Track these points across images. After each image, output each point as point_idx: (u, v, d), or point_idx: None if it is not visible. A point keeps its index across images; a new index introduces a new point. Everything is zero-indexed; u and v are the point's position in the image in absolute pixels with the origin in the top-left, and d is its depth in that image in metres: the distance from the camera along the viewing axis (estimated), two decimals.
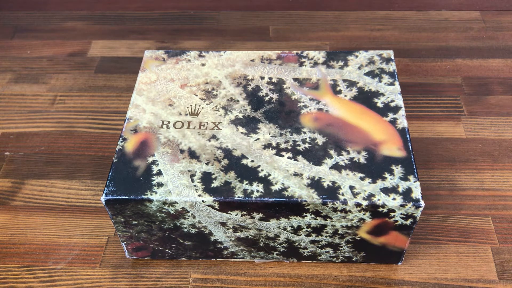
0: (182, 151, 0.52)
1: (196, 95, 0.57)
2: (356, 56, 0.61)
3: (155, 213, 0.50)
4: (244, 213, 0.49)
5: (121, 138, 0.53)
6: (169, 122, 0.54)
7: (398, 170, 0.50)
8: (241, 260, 0.56)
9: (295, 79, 0.58)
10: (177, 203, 0.48)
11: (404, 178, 0.49)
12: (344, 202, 0.47)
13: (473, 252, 0.56)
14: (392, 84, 0.58)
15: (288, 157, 0.51)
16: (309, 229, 0.51)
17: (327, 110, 0.55)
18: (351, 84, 0.58)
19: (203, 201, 0.48)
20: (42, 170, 0.66)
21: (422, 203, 0.47)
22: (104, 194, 0.49)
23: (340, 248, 0.53)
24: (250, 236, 0.52)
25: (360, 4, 0.92)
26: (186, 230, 0.52)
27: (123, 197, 0.48)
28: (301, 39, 0.85)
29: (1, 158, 0.68)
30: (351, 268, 0.55)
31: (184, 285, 0.55)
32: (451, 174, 0.64)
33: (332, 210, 0.48)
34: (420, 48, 0.82)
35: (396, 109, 0.55)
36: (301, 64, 0.60)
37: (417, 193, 0.48)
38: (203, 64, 0.61)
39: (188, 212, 0.49)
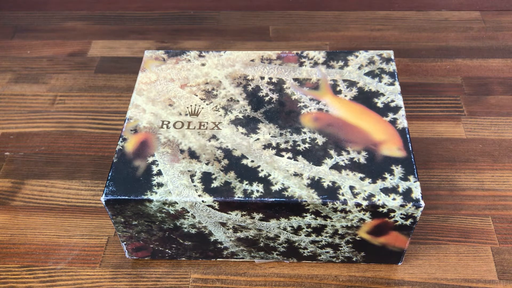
0: (182, 151, 0.52)
1: (196, 95, 0.57)
2: (356, 56, 0.61)
3: (155, 213, 0.50)
4: (244, 213, 0.49)
5: (121, 138, 0.53)
6: (169, 122, 0.54)
7: (398, 170, 0.50)
8: (241, 260, 0.56)
9: (295, 79, 0.58)
10: (177, 203, 0.48)
11: (404, 178, 0.49)
12: (344, 202, 0.47)
13: (473, 252, 0.56)
14: (392, 84, 0.58)
15: (288, 157, 0.51)
16: (309, 229, 0.51)
17: (327, 110, 0.55)
18: (351, 84, 0.58)
19: (203, 201, 0.48)
20: (42, 170, 0.66)
21: (422, 203, 0.47)
22: (104, 194, 0.49)
23: (340, 248, 0.53)
24: (250, 236, 0.52)
25: (360, 4, 0.92)
26: (186, 230, 0.52)
27: (123, 197, 0.48)
28: (301, 39, 0.85)
29: (1, 158, 0.68)
30: (351, 268, 0.55)
31: (184, 285, 0.55)
32: (451, 174, 0.64)
33: (332, 210, 0.48)
34: (420, 48, 0.82)
35: (396, 109, 0.55)
36: (301, 64, 0.60)
37: (417, 193, 0.48)
38: (203, 64, 0.61)
39: (188, 212, 0.49)
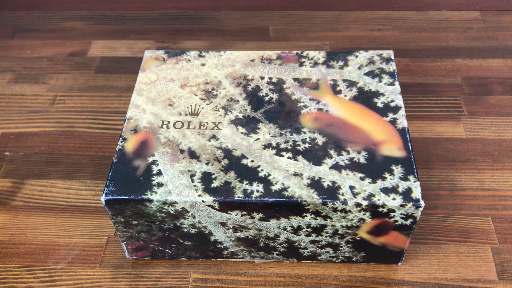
0: (182, 151, 0.52)
1: (196, 95, 0.57)
2: (356, 56, 0.61)
3: (155, 213, 0.50)
4: (244, 213, 0.49)
5: (121, 138, 0.53)
6: (169, 122, 0.54)
7: (398, 170, 0.50)
8: (241, 260, 0.56)
9: (295, 79, 0.58)
10: (177, 203, 0.48)
11: (404, 178, 0.49)
12: (344, 202, 0.47)
13: (473, 252, 0.56)
14: (392, 84, 0.58)
15: (288, 157, 0.51)
16: (309, 229, 0.51)
17: (327, 110, 0.55)
18: (351, 84, 0.58)
19: (203, 201, 0.48)
20: (42, 170, 0.66)
21: (422, 203, 0.47)
22: (104, 194, 0.49)
23: (340, 248, 0.53)
24: (250, 236, 0.52)
25: (360, 4, 0.92)
26: (186, 230, 0.52)
27: (123, 197, 0.48)
28: (301, 39, 0.85)
29: (1, 158, 0.68)
30: (351, 268, 0.55)
31: (184, 285, 0.55)
32: (451, 174, 0.64)
33: (332, 210, 0.48)
34: (420, 48, 0.82)
35: (396, 109, 0.55)
36: (301, 64, 0.60)
37: (417, 193, 0.48)
38: (203, 64, 0.61)
39: (188, 212, 0.49)
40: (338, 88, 0.57)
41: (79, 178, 0.65)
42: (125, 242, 0.54)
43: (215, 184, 0.49)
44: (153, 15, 0.91)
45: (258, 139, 0.52)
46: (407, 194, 0.48)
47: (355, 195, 0.48)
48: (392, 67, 0.59)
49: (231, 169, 0.50)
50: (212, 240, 0.53)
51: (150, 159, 0.51)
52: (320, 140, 0.52)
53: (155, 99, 0.57)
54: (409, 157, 0.51)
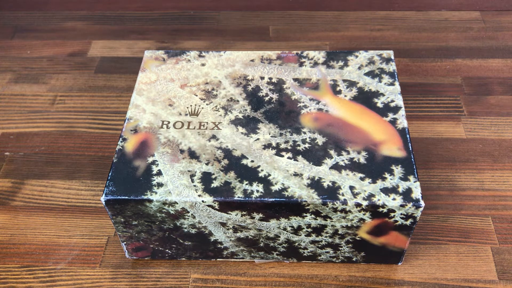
0: (182, 151, 0.52)
1: (196, 95, 0.57)
2: (356, 56, 0.61)
3: (155, 213, 0.50)
4: (244, 213, 0.49)
5: (121, 138, 0.53)
6: (169, 122, 0.54)
7: (398, 170, 0.50)
8: (241, 260, 0.56)
9: (295, 79, 0.58)
10: (177, 203, 0.48)
11: (404, 178, 0.49)
12: (344, 202, 0.47)
13: (473, 252, 0.56)
14: (392, 84, 0.58)
15: (288, 157, 0.51)
16: (309, 229, 0.51)
17: (327, 110, 0.55)
18: (351, 84, 0.58)
19: (203, 201, 0.48)
20: (42, 170, 0.66)
21: (422, 203, 0.47)
22: (104, 194, 0.49)
23: (340, 248, 0.53)
24: (250, 236, 0.52)
25: (360, 4, 0.92)
26: (186, 230, 0.52)
27: (123, 197, 0.48)
28: (301, 39, 0.85)
29: (1, 158, 0.68)
30: (351, 268, 0.55)
31: (184, 285, 0.55)
32: (451, 174, 0.64)
33: (332, 210, 0.48)
34: (420, 48, 0.82)
35: (396, 109, 0.55)
36: (301, 64, 0.60)
37: (417, 193, 0.48)
38: (203, 64, 0.61)
39: (188, 212, 0.49)
40: (338, 88, 0.57)
41: (79, 178, 0.65)
42: (125, 242, 0.54)
43: (215, 184, 0.49)
44: (153, 15, 0.91)
45: (258, 139, 0.52)
46: (407, 194, 0.48)
47: (355, 195, 0.48)
48: (392, 67, 0.59)
49: (231, 169, 0.50)
50: (212, 240, 0.53)
51: (150, 159, 0.51)
52: (320, 140, 0.52)
53: (155, 99, 0.57)
54: (409, 157, 0.51)
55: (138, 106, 0.56)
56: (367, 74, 0.59)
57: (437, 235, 0.58)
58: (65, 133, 0.71)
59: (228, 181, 0.49)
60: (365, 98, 0.56)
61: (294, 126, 0.54)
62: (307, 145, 0.52)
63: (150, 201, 0.48)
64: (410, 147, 0.52)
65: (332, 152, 0.51)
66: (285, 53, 0.62)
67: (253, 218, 0.50)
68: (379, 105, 0.56)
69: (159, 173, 0.50)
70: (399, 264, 0.56)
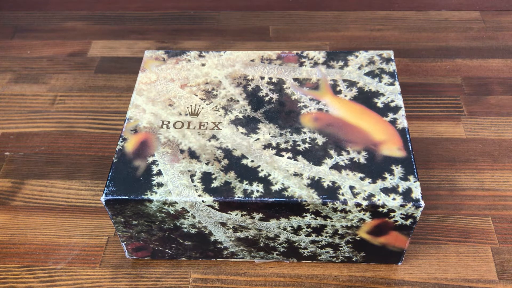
0: (182, 151, 0.52)
1: (196, 95, 0.57)
2: (356, 56, 0.61)
3: (155, 213, 0.50)
4: (244, 213, 0.49)
5: (121, 138, 0.53)
6: (169, 122, 0.54)
7: (398, 170, 0.50)
8: (241, 260, 0.56)
9: (295, 79, 0.58)
10: (177, 203, 0.48)
11: (404, 178, 0.49)
12: (344, 202, 0.47)
13: (473, 252, 0.56)
14: (392, 84, 0.58)
15: (288, 157, 0.51)
16: (309, 229, 0.51)
17: (327, 110, 0.55)
18: (351, 84, 0.58)
19: (203, 201, 0.48)
20: (42, 170, 0.66)
21: (422, 203, 0.47)
22: (104, 194, 0.49)
23: (340, 248, 0.53)
24: (250, 236, 0.52)
25: (360, 4, 0.92)
26: (186, 230, 0.52)
27: (123, 197, 0.48)
28: (301, 39, 0.85)
29: (1, 158, 0.68)
30: (351, 268, 0.55)
31: (184, 285, 0.55)
32: (451, 174, 0.64)
33: (332, 210, 0.48)
34: (420, 48, 0.82)
35: (396, 109, 0.55)
36: (301, 64, 0.60)
37: (417, 193, 0.48)
38: (203, 64, 0.61)
39: (188, 212, 0.49)
40: (338, 88, 0.57)
41: (79, 178, 0.65)
42: (125, 242, 0.54)
43: (215, 184, 0.49)
44: (153, 15, 0.91)
45: (258, 139, 0.52)
46: (407, 194, 0.48)
47: (355, 195, 0.48)
48: (392, 67, 0.59)
49: (231, 169, 0.50)
50: (212, 240, 0.53)
51: (150, 159, 0.51)
52: (320, 140, 0.52)
53: (155, 99, 0.57)
54: (409, 157, 0.51)
55: (138, 106, 0.56)
56: (367, 74, 0.59)
57: (437, 235, 0.58)
58: (65, 133, 0.71)
59: (228, 181, 0.49)
60: (365, 98, 0.56)
61: (294, 126, 0.54)
62: (307, 145, 0.52)
63: (150, 201, 0.48)
64: (410, 147, 0.52)
65: (332, 152, 0.51)
66: (285, 53, 0.62)
67: (253, 218, 0.50)
68: (379, 105, 0.56)
69: (159, 173, 0.50)
70: (399, 264, 0.56)
